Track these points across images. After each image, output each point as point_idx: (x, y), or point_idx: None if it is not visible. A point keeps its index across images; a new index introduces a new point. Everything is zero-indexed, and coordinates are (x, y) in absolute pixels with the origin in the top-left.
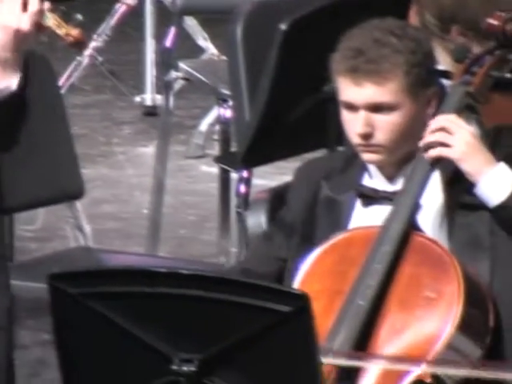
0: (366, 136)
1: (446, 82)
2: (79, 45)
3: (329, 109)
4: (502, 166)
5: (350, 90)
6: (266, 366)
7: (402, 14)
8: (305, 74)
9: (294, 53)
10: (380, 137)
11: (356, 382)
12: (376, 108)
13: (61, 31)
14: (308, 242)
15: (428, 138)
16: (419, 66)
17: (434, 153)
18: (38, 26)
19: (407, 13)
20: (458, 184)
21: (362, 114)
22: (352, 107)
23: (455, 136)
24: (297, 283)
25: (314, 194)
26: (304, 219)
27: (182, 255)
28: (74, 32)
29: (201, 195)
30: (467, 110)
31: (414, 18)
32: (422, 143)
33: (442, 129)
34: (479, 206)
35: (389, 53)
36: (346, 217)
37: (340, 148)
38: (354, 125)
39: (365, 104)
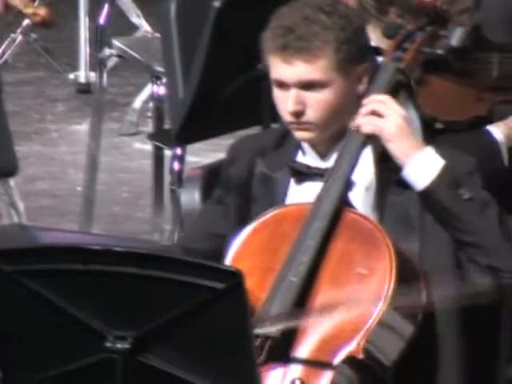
0: (297, 114)
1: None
2: (47, 24)
3: (262, 86)
4: (429, 150)
5: (280, 68)
6: (201, 342)
7: None
8: (238, 52)
9: (227, 30)
10: (311, 114)
11: (289, 357)
12: (307, 86)
13: (27, 10)
14: (244, 218)
15: (360, 118)
16: (349, 43)
17: (364, 130)
18: (5, 5)
19: None
20: (389, 162)
21: (293, 91)
22: (283, 85)
23: (386, 118)
24: (229, 260)
25: (249, 171)
26: (239, 196)
27: (116, 232)
28: (42, 11)
29: (134, 172)
30: (403, 90)
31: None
32: (354, 122)
33: (374, 110)
34: (408, 185)
35: (319, 30)
36: (282, 194)
37: (274, 125)
38: (285, 103)
39: (295, 82)
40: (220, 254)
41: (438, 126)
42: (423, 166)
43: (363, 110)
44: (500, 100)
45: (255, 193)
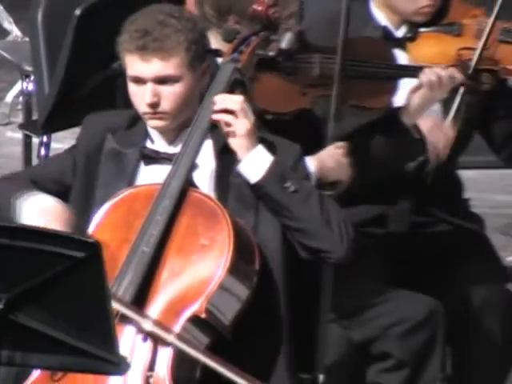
0: (154, 105)
1: (219, 59)
2: None
3: (117, 82)
4: (260, 148)
5: (138, 66)
6: (65, 303)
7: (176, 1)
8: (96, 53)
9: (86, 34)
10: (165, 105)
11: (142, 315)
12: (162, 80)
13: None
14: (89, 183)
15: (214, 113)
16: (196, 43)
17: (218, 121)
18: None
19: (183, 1)
20: (230, 151)
21: (150, 86)
22: (140, 80)
23: (239, 118)
24: (90, 232)
25: (100, 143)
26: (88, 163)
27: None
28: None
29: (6, 157)
30: (239, 86)
31: (193, 8)
32: (208, 115)
33: (228, 109)
34: None
35: (171, 32)
36: (130, 171)
37: None
38: (142, 96)
39: (152, 77)
40: (63, 198)
41: (268, 117)
42: (255, 163)
43: (218, 106)
44: (321, 94)
45: (103, 163)
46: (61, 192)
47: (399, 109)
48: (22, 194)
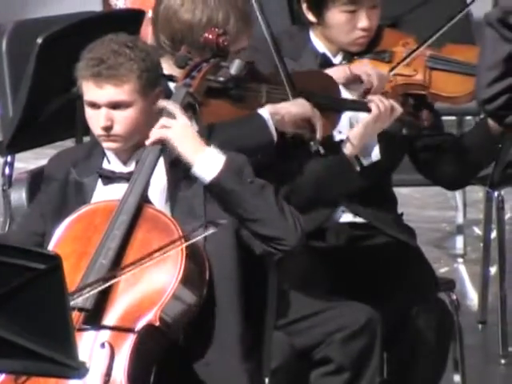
0: (107, 128)
1: (172, 84)
2: None
3: (76, 106)
4: (211, 149)
5: (93, 92)
6: (28, 313)
7: (133, 31)
8: (57, 78)
9: (47, 60)
10: (118, 128)
11: (100, 324)
12: (115, 105)
13: None
14: (61, 217)
15: (152, 130)
16: (148, 71)
17: (153, 139)
18: None
19: (138, 31)
20: (179, 166)
21: (104, 110)
22: (95, 105)
23: (171, 128)
24: (51, 246)
25: (65, 178)
26: (57, 199)
27: None
28: None
29: None
30: (190, 109)
31: (148, 38)
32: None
33: (162, 124)
34: (194, 181)
35: (124, 61)
36: (90, 195)
37: (85, 138)
38: (96, 119)
39: (106, 102)
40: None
41: None
42: (209, 163)
43: (156, 125)
44: None
45: (69, 196)
46: (38, 244)
47: (341, 141)
48: None
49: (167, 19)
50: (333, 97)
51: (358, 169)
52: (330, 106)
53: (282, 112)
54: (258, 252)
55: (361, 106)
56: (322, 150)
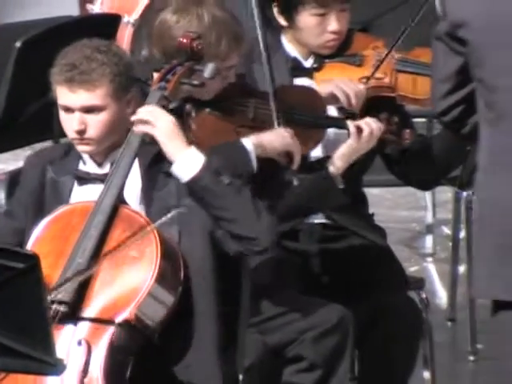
0: (81, 132)
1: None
2: None
3: (53, 110)
4: (193, 149)
5: (67, 97)
6: (6, 311)
7: (109, 35)
8: (34, 82)
9: (26, 65)
10: (91, 132)
11: (76, 322)
12: (88, 110)
13: None
14: (39, 214)
15: (134, 127)
16: (120, 75)
17: (136, 133)
18: None
19: (114, 35)
20: (154, 167)
21: (77, 114)
22: (68, 109)
23: (156, 124)
24: (29, 246)
25: (42, 177)
26: (35, 197)
27: None
28: None
29: None
30: (179, 118)
31: (122, 42)
32: (132, 129)
33: (143, 119)
34: (168, 182)
35: (97, 66)
36: (67, 194)
37: (62, 139)
38: (70, 123)
39: (79, 107)
40: (21, 245)
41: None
42: (188, 162)
43: (133, 118)
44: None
45: (46, 194)
46: (19, 241)
47: (326, 157)
48: None
49: (161, 34)
50: (317, 115)
51: (342, 186)
52: (315, 123)
53: (265, 144)
54: (232, 253)
55: (345, 124)
56: (295, 182)
